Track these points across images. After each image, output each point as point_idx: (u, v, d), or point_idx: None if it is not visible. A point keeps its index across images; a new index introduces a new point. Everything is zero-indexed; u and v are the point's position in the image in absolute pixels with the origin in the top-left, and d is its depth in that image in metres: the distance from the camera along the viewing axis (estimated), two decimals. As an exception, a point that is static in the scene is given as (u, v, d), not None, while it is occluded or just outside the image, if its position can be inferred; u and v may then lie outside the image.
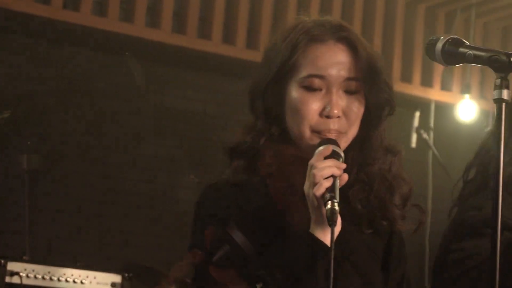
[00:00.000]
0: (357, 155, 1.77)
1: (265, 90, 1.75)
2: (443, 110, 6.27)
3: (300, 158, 1.69)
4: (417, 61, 6.27)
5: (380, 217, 1.76)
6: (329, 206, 1.54)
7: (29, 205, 4.25)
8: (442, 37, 1.69)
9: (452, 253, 1.91)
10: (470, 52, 1.63)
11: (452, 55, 1.66)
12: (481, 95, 6.51)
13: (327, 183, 1.58)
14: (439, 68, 6.29)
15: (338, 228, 1.61)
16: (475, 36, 6.36)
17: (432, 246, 5.86)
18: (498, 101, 1.55)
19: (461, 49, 1.65)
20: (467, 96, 6.09)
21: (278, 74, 1.73)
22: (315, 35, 1.74)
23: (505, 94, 1.56)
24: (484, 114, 6.15)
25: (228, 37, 5.68)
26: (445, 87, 6.39)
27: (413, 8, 6.33)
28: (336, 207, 1.54)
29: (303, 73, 1.72)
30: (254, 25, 5.75)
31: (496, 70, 1.57)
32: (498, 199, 1.50)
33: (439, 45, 1.68)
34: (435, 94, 6.29)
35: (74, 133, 5.29)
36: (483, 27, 6.62)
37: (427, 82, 6.32)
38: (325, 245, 1.61)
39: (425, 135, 5.72)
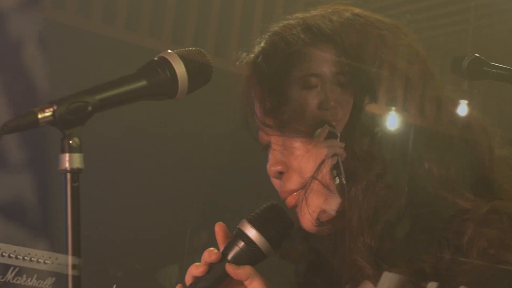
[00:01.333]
0: None
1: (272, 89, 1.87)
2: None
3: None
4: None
5: None
6: (337, 181, 1.70)
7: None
8: (467, 56, 2.00)
9: None
10: (494, 70, 1.96)
11: (477, 72, 1.97)
12: (404, 108, 6.95)
13: (332, 161, 1.76)
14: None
15: None
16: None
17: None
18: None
19: (485, 68, 1.97)
20: (393, 108, 6.52)
21: (280, 73, 1.86)
22: (308, 39, 1.86)
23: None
24: (407, 126, 6.59)
25: (176, 39, 5.89)
26: (370, 98, 6.79)
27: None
28: (344, 182, 1.72)
29: (301, 73, 1.86)
30: (202, 29, 5.98)
31: (515, 86, 1.91)
32: None
33: (465, 63, 1.99)
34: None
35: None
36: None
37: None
38: None
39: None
